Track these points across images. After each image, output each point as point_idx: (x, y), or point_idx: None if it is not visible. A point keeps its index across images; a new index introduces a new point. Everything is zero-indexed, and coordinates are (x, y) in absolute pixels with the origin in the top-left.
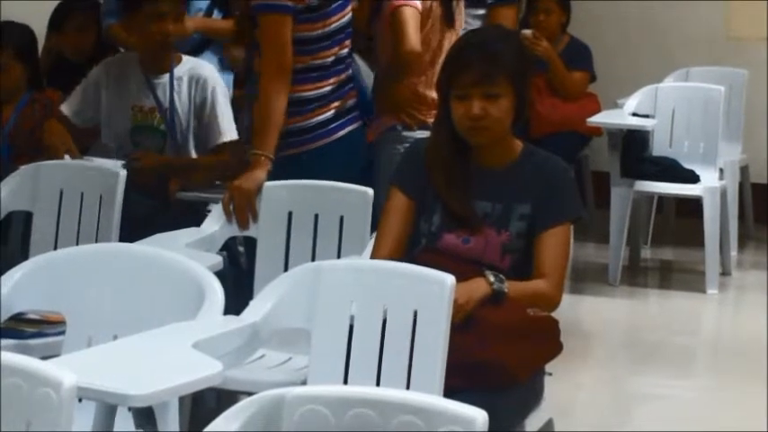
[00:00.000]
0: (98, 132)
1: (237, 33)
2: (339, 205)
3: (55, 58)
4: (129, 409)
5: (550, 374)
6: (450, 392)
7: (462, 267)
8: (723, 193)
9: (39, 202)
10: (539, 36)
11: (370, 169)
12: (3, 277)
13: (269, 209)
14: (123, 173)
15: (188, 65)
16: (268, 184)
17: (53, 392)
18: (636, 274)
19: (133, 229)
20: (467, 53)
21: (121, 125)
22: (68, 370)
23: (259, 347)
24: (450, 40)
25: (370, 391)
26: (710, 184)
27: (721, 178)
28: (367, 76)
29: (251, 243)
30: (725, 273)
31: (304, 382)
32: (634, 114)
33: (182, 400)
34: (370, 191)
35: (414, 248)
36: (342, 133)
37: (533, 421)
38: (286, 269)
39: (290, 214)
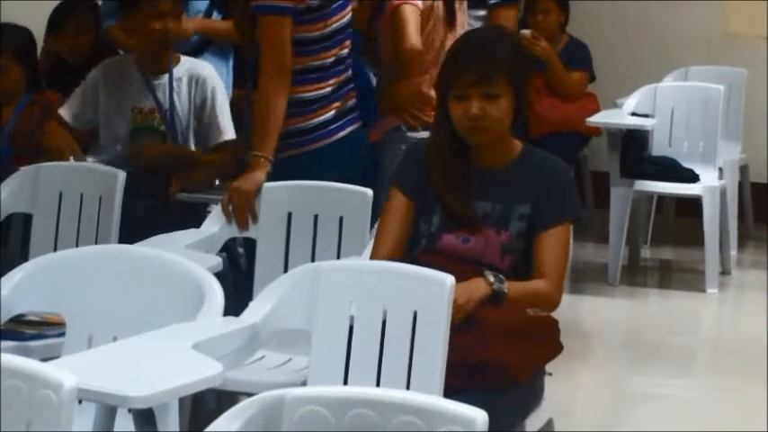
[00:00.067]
0: (97, 134)
1: (238, 34)
2: (338, 206)
3: (53, 59)
4: (129, 410)
5: (550, 374)
6: (450, 393)
7: (462, 268)
8: (722, 193)
9: (38, 204)
10: (537, 36)
11: (373, 169)
12: (3, 279)
13: (268, 210)
14: (123, 174)
15: (186, 65)
16: (267, 184)
17: (53, 394)
18: (635, 274)
19: (133, 231)
20: (465, 53)
21: (121, 127)
22: (68, 371)
23: (259, 348)
24: (452, 40)
25: (370, 391)
26: (710, 183)
27: (721, 178)
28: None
29: (251, 244)
30: (724, 272)
31: (304, 383)
32: (633, 114)
33: (182, 401)
34: (370, 191)
35: (413, 249)
36: (342, 134)
37: (533, 421)
38: (286, 270)
39: (289, 215)
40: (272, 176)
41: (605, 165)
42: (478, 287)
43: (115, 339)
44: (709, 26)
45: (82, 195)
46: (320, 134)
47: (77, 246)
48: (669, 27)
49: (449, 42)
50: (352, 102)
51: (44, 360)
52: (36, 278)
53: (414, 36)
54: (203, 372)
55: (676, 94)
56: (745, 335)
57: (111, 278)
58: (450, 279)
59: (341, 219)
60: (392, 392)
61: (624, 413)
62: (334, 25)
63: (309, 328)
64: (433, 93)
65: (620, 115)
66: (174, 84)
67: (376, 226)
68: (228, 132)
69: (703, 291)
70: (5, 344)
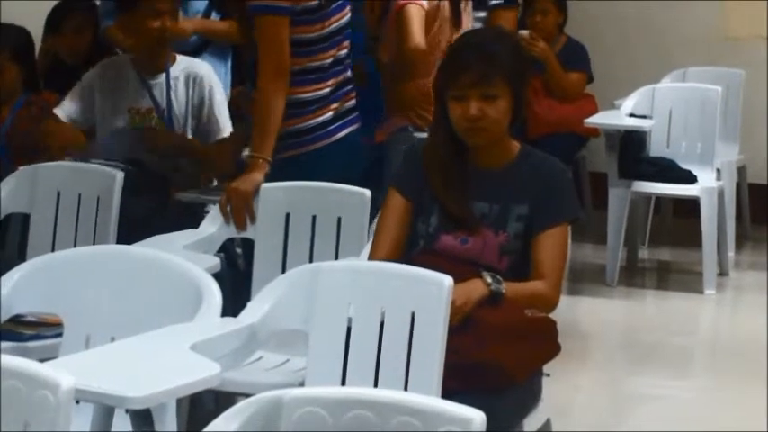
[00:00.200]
0: (93, 135)
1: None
2: (337, 206)
3: (51, 59)
4: (127, 410)
5: (548, 375)
6: (448, 394)
7: (460, 268)
8: (720, 194)
9: (36, 204)
10: (536, 37)
11: (372, 169)
12: (1, 279)
13: (266, 210)
14: (120, 175)
15: (183, 64)
16: (265, 185)
17: (51, 394)
18: (633, 275)
19: (131, 231)
20: (464, 54)
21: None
22: (66, 372)
23: (257, 349)
24: None
25: (368, 392)
26: (708, 184)
27: (718, 179)
28: None
29: (248, 245)
30: (722, 273)
31: (302, 384)
32: (631, 115)
33: (179, 401)
34: (368, 192)
35: (411, 250)
36: (341, 135)
37: (531, 422)
38: (284, 271)
39: (287, 216)
40: (271, 177)
41: (603, 166)
42: (476, 288)
43: (113, 340)
44: (709, 27)
45: (80, 196)
46: (318, 135)
47: (75, 246)
48: (668, 28)
49: None
50: (350, 103)
51: (42, 360)
52: (34, 278)
53: (418, 35)
54: (201, 372)
55: (674, 95)
56: (742, 336)
57: (109, 279)
58: (448, 280)
59: (339, 219)
60: (390, 393)
61: (622, 414)
62: (332, 26)
63: (307, 328)
64: None
65: (618, 116)
66: (172, 83)
67: (374, 225)
68: (227, 130)
69: (701, 292)
70: (3, 344)
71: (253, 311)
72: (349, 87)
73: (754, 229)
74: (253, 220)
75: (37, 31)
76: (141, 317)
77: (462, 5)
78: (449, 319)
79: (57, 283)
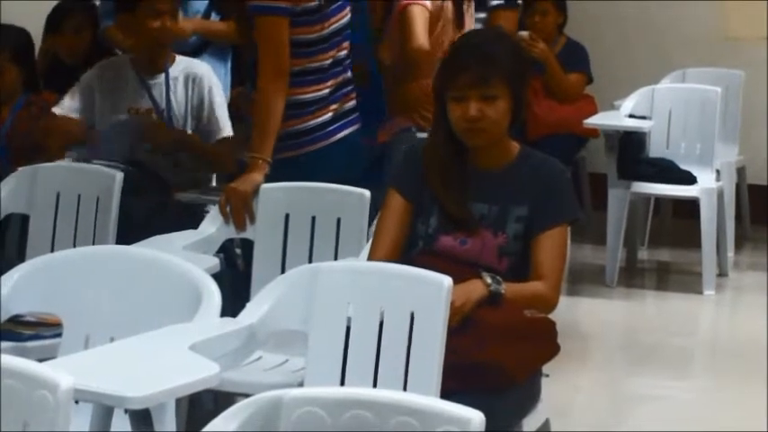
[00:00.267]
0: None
1: (238, 34)
2: (336, 207)
3: (51, 59)
4: (126, 411)
5: (547, 376)
6: (447, 394)
7: (459, 269)
8: (720, 195)
9: (36, 205)
10: (535, 38)
11: (373, 169)
12: (0, 279)
13: (266, 211)
14: (120, 175)
15: (182, 64)
16: (265, 186)
17: (50, 395)
18: (633, 276)
19: (130, 232)
20: (463, 55)
21: None
22: (65, 372)
23: (256, 349)
24: None
25: (367, 392)
26: (707, 185)
27: (718, 179)
28: None
29: (248, 245)
30: (722, 274)
31: (301, 384)
32: (631, 116)
33: (178, 401)
34: (367, 192)
35: (411, 250)
36: (340, 135)
37: (530, 422)
38: (283, 271)
39: (286, 216)
40: (270, 178)
41: (603, 166)
42: (476, 289)
43: (112, 340)
44: (709, 27)
45: (79, 196)
46: (318, 136)
47: (75, 246)
48: (668, 28)
49: None
50: (350, 104)
51: (41, 361)
52: (33, 279)
53: (421, 36)
54: (200, 372)
55: (674, 95)
56: (742, 336)
57: (109, 279)
58: (447, 280)
59: (338, 220)
60: (389, 393)
61: (621, 414)
62: (332, 27)
63: (306, 328)
64: None
65: (617, 117)
66: (171, 83)
67: (374, 225)
68: (226, 130)
69: (700, 292)
70: (3, 344)
71: (252, 312)
72: (349, 88)
73: (754, 229)
74: (252, 220)
75: (37, 31)
76: (140, 317)
77: (465, 6)
78: (448, 319)
79: (56, 284)
